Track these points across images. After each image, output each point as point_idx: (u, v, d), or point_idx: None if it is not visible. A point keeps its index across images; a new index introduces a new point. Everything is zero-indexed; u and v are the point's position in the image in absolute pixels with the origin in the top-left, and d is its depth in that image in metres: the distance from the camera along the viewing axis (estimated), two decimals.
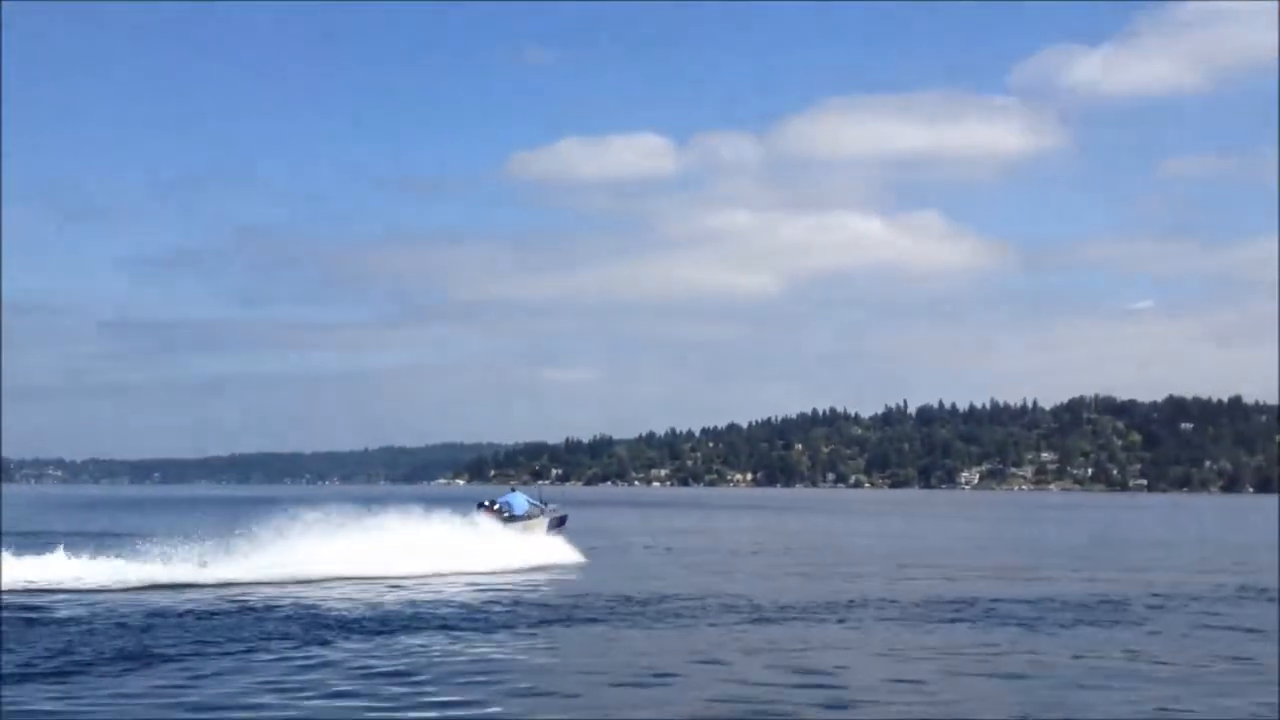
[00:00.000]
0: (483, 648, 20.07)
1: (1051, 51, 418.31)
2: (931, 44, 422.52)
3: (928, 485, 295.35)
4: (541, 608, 25.55)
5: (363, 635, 21.26)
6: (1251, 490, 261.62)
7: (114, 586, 28.15)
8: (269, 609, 24.53)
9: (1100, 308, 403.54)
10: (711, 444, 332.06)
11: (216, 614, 23.76)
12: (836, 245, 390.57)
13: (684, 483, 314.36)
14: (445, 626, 22.50)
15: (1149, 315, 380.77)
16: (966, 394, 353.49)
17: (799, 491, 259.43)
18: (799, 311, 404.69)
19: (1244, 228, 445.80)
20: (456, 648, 19.93)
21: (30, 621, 22.37)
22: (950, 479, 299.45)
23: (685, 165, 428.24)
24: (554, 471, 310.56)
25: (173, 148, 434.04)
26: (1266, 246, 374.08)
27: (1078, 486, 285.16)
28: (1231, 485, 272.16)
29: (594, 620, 23.72)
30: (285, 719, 14.83)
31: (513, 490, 43.06)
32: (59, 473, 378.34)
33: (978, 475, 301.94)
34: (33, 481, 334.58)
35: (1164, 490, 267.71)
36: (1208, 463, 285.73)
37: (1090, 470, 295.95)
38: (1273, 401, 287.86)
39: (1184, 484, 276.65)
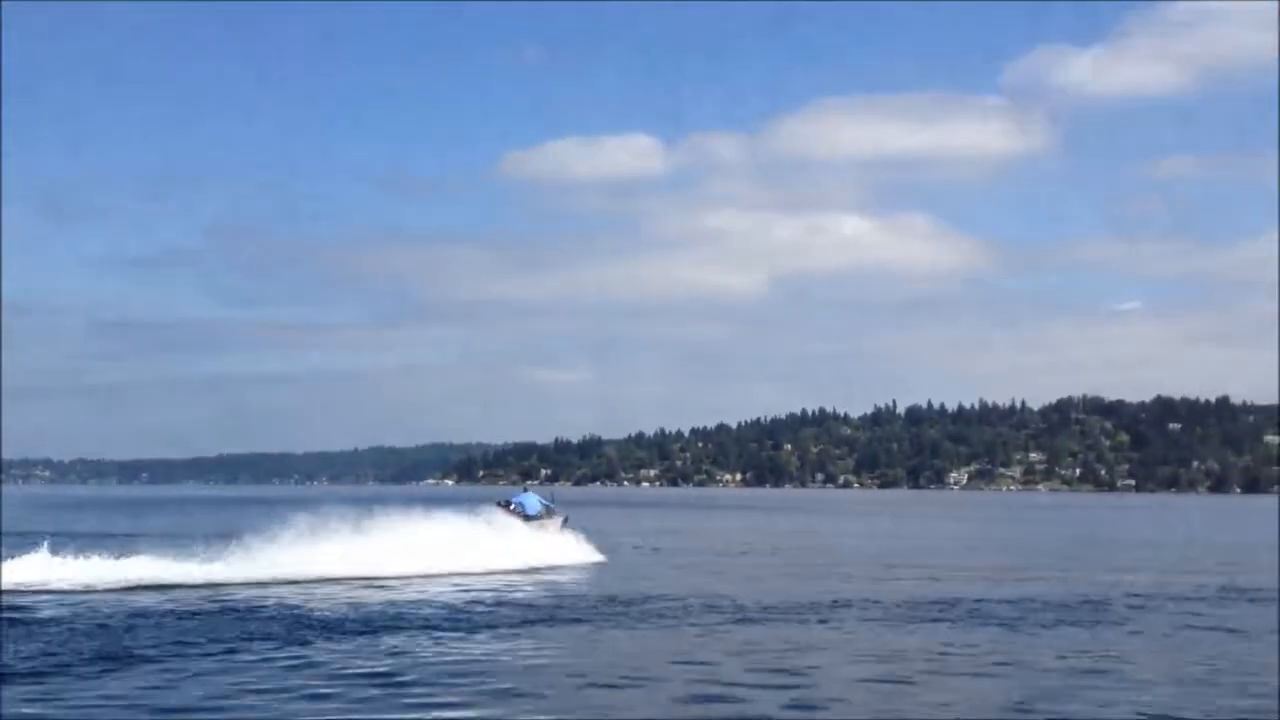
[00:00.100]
0: (464, 648, 20.05)
1: (1041, 52, 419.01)
2: (922, 45, 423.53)
3: (916, 485, 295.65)
4: (525, 608, 25.57)
5: (345, 636, 21.21)
6: (1239, 490, 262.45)
7: (149, 582, 28.61)
8: (252, 609, 24.51)
9: (1088, 308, 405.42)
10: (701, 444, 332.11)
11: (199, 614, 23.73)
12: (827, 246, 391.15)
13: (673, 483, 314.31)
14: (428, 627, 22.47)
15: (1137, 316, 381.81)
16: (955, 394, 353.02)
17: (788, 492, 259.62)
18: (789, 312, 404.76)
19: (1232, 229, 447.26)
20: (439, 649, 19.89)
21: (12, 622, 22.29)
22: (939, 479, 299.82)
23: (676, 165, 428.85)
24: (543, 472, 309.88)
25: (167, 147, 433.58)
26: (1254, 247, 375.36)
27: (1066, 487, 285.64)
28: (1219, 485, 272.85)
29: (578, 620, 23.74)
30: None
31: (524, 491, 43.68)
32: (47, 473, 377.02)
33: (966, 475, 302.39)
34: (20, 482, 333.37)
35: (1152, 490, 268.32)
36: (1195, 463, 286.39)
37: (1078, 470, 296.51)
38: (1260, 402, 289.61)
39: (1172, 484, 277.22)
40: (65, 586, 27.73)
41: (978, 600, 27.22)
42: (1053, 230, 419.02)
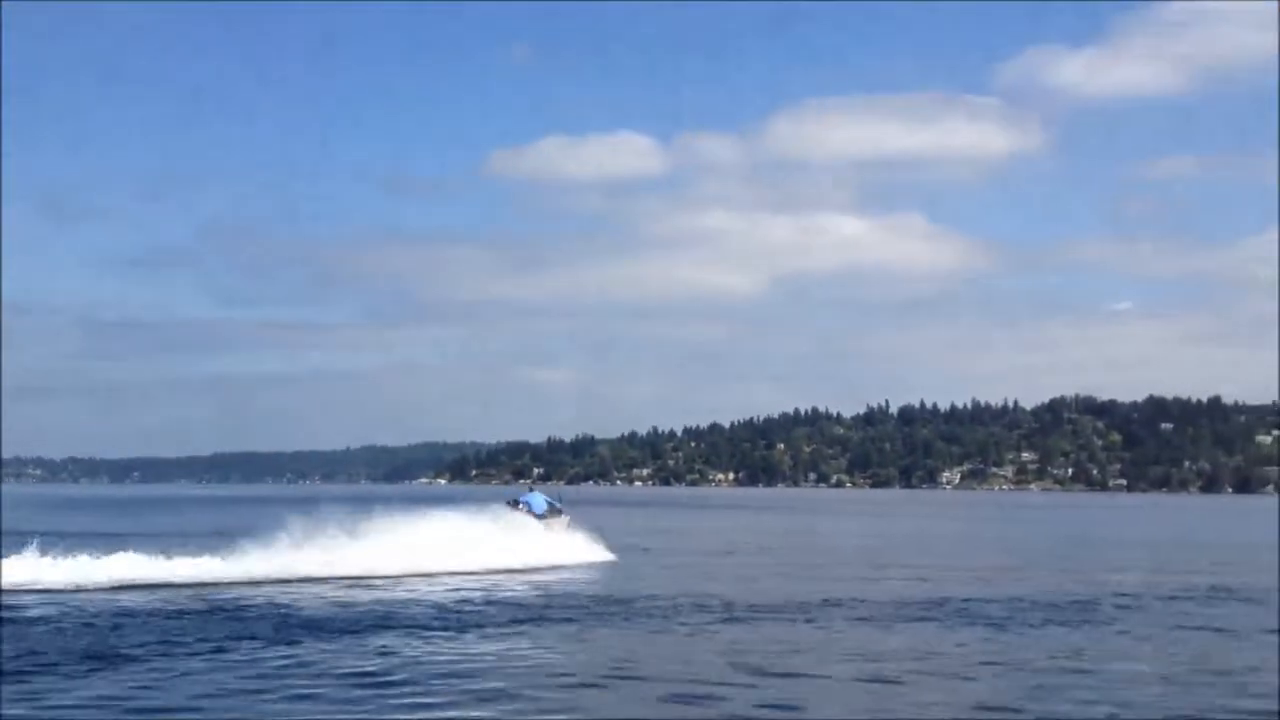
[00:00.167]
0: (452, 648, 20.02)
1: (1035, 52, 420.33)
2: (915, 45, 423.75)
3: (909, 485, 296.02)
4: (514, 607, 25.56)
5: (332, 635, 21.16)
6: (1230, 490, 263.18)
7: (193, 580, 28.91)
8: (240, 608, 24.50)
9: (1081, 308, 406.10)
10: (693, 444, 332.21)
11: (187, 613, 23.70)
12: (820, 246, 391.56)
13: (666, 482, 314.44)
14: (416, 626, 22.43)
15: (1130, 316, 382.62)
16: (948, 394, 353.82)
17: (780, 491, 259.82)
18: (781, 312, 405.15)
19: (1226, 229, 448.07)
20: (427, 649, 19.82)
21: (1, 621, 22.25)
22: (931, 479, 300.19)
23: (669, 165, 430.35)
24: (535, 471, 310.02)
25: (167, 147, 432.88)
26: (1252, 247, 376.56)
27: (1058, 486, 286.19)
28: (1210, 485, 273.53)
29: (567, 620, 23.71)
30: None
31: (531, 490, 44.06)
32: (38, 471, 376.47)
33: (959, 475, 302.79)
34: (13, 480, 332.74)
35: (1143, 490, 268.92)
36: (1187, 463, 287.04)
37: (1070, 470, 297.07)
38: (1252, 402, 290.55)
39: (1163, 484, 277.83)
40: (61, 585, 27.61)
41: (966, 600, 27.24)
42: (1050, 230, 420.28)
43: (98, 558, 30.28)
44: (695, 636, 21.61)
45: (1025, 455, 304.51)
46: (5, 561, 29.23)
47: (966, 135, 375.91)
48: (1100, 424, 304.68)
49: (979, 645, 20.71)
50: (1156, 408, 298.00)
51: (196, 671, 17.58)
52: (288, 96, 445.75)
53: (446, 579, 31.26)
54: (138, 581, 28.60)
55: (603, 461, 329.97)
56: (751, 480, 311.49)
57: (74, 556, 30.02)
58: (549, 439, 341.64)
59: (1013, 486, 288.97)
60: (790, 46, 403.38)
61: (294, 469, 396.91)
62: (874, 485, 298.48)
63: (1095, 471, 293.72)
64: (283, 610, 24.30)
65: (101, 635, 20.76)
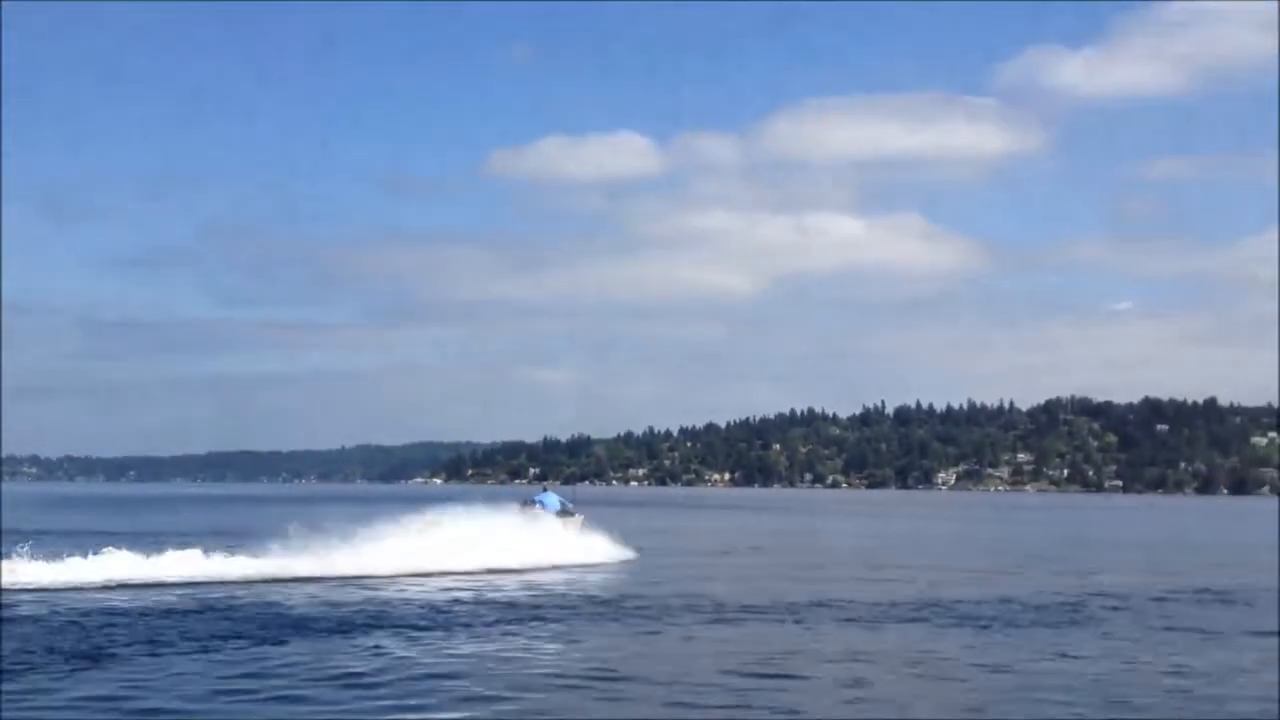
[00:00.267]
0: (439, 649, 20.01)
1: (1034, 53, 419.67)
2: (913, 45, 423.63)
3: (905, 486, 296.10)
4: (504, 607, 25.58)
5: (319, 636, 21.19)
6: (1226, 492, 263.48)
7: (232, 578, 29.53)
8: (230, 607, 24.55)
9: (1079, 309, 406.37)
10: (689, 444, 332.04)
11: (175, 612, 23.75)
12: (817, 246, 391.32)
13: (661, 482, 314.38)
14: (404, 626, 22.46)
15: (1127, 317, 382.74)
16: (944, 395, 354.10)
17: (776, 491, 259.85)
18: (778, 312, 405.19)
19: (1226, 229, 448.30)
20: (413, 651, 19.73)
21: None
22: (927, 479, 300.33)
23: (668, 165, 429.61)
24: (531, 471, 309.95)
25: (167, 147, 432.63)
26: (1247, 248, 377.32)
27: (1054, 487, 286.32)
28: (1206, 487, 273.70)
29: (556, 620, 23.76)
30: None
31: (544, 490, 44.45)
32: (34, 470, 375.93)
33: (954, 476, 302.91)
34: (7, 479, 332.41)
35: (1139, 491, 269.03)
36: (1183, 464, 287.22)
37: (1066, 471, 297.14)
38: (1248, 403, 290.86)
39: (1159, 485, 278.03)
40: (57, 585, 27.69)
41: (956, 601, 27.29)
42: (1049, 230, 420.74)
43: (90, 556, 30.47)
44: (682, 637, 21.67)
45: (1021, 456, 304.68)
46: (11, 561, 29.34)
47: (966, 135, 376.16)
48: (1096, 425, 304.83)
49: (962, 647, 20.73)
50: (1152, 409, 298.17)
51: (183, 671, 17.60)
52: (288, 96, 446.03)
53: (476, 577, 31.72)
54: (204, 578, 29.44)
55: (599, 461, 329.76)
56: (747, 480, 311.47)
57: (65, 558, 30.10)
58: (545, 439, 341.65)
59: (1008, 487, 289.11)
60: (790, 46, 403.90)
61: (289, 468, 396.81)
62: (870, 486, 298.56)
63: (1091, 472, 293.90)
64: (272, 609, 24.35)
65: (87, 634, 20.78)
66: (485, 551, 34.61)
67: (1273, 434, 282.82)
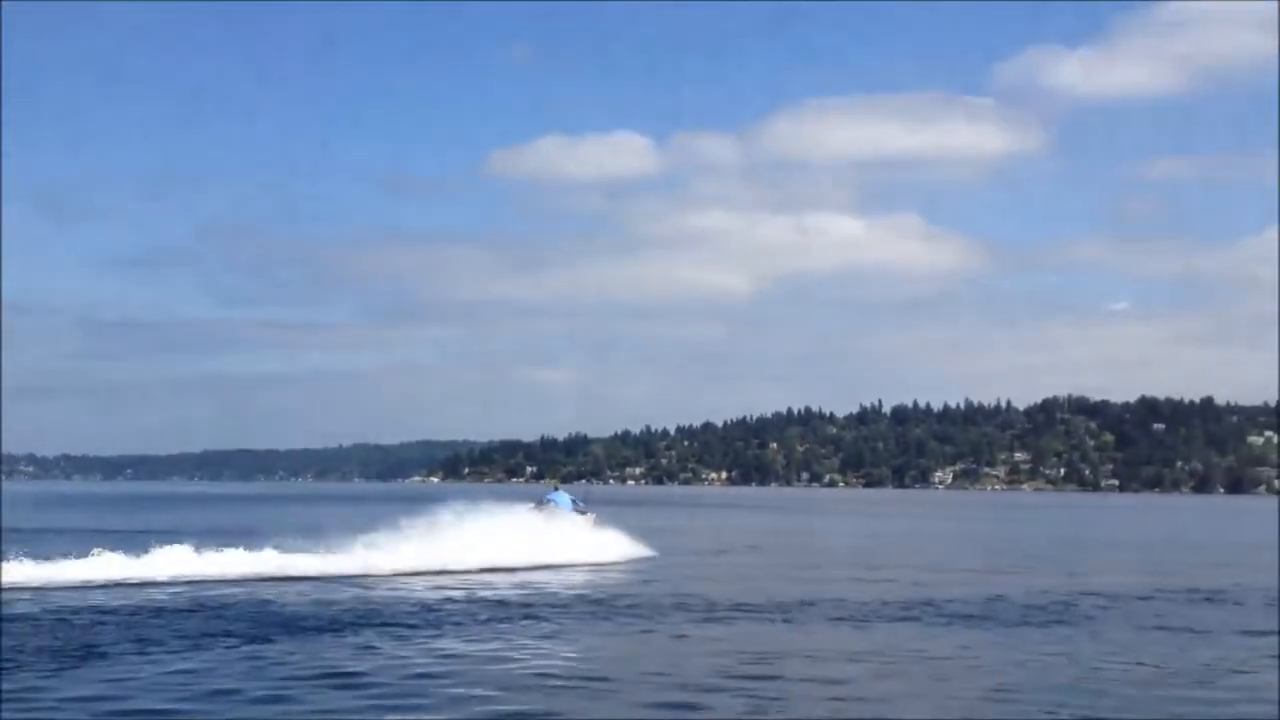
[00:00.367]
0: (429, 648, 20.00)
1: (1032, 53, 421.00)
2: (914, 45, 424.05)
3: (902, 485, 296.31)
4: (495, 606, 25.59)
5: (309, 634, 21.19)
6: (1222, 491, 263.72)
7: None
8: (222, 606, 24.55)
9: (1080, 308, 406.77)
10: (687, 443, 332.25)
11: (165, 611, 23.75)
12: (816, 246, 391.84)
13: (659, 481, 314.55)
14: (393, 624, 22.46)
15: (1128, 316, 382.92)
16: (941, 394, 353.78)
17: (773, 490, 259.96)
18: (777, 311, 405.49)
19: (1225, 229, 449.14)
20: (404, 651, 19.68)
21: None
22: (924, 479, 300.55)
23: (668, 165, 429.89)
24: (528, 469, 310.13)
25: (167, 147, 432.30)
26: (1246, 248, 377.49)
27: (1050, 486, 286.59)
28: (1202, 486, 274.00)
29: (548, 619, 23.73)
30: None
31: (556, 489, 44.59)
32: (30, 469, 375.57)
33: (951, 475, 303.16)
34: (4, 478, 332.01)
35: (1136, 490, 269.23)
36: (1179, 463, 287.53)
37: (1063, 470, 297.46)
38: (1245, 402, 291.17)
39: (1155, 484, 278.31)
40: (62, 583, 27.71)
41: (947, 600, 27.29)
42: (1048, 230, 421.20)
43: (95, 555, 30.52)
44: (672, 636, 21.70)
45: (1018, 455, 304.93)
46: (12, 561, 29.31)
47: (965, 135, 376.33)
48: (1093, 424, 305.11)
49: (951, 645, 20.74)
50: (1149, 408, 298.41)
51: (170, 671, 17.59)
52: (288, 96, 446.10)
53: (471, 577, 31.71)
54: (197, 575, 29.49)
55: (596, 460, 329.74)
56: (744, 479, 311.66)
57: (56, 559, 30.07)
58: (542, 437, 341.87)
59: (1005, 486, 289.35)
60: (790, 46, 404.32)
61: (286, 467, 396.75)
62: (867, 485, 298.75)
63: (1087, 472, 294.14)
64: (265, 607, 24.35)
65: (76, 632, 20.76)
66: (523, 549, 35.18)
67: (1270, 433, 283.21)
